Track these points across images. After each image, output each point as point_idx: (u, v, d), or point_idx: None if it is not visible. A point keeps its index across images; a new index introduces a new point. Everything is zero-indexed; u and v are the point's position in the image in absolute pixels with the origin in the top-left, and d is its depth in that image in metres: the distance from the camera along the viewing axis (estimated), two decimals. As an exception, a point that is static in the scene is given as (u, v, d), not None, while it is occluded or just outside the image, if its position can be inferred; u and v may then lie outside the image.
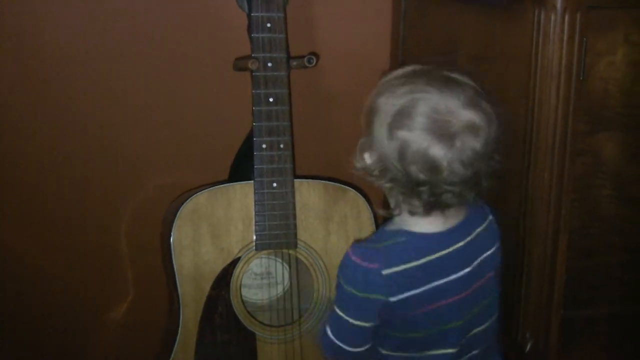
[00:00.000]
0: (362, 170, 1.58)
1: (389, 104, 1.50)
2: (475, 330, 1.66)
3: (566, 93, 1.71)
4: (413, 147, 1.46)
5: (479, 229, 1.63)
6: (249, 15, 1.93)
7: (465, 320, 1.63)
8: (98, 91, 2.25)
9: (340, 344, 1.62)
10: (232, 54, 2.04)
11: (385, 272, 1.53)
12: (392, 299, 1.55)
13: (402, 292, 1.55)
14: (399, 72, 1.57)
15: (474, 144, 1.46)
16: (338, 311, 1.60)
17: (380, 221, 2.15)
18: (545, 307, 1.84)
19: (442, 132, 1.45)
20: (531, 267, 1.82)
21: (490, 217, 1.68)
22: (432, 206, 1.53)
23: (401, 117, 1.48)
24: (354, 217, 2.02)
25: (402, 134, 1.47)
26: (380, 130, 1.50)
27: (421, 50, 2.22)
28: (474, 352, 1.69)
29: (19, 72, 2.21)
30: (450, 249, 1.58)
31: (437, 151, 1.45)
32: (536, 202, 1.77)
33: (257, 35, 1.92)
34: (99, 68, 2.24)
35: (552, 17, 1.67)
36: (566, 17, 1.66)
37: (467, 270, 1.60)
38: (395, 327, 1.62)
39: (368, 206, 2.02)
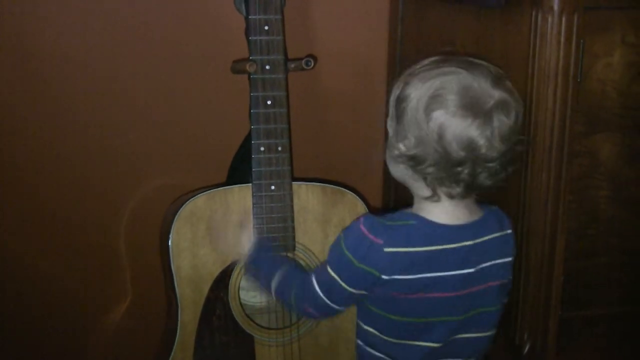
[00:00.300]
0: (401, 159, 1.58)
1: (421, 88, 1.52)
2: (464, 335, 1.66)
3: (563, 94, 1.71)
4: (452, 126, 1.48)
5: (491, 235, 1.63)
6: (246, 18, 1.93)
7: (456, 321, 1.63)
8: (97, 92, 2.26)
9: (324, 298, 1.64)
10: (230, 57, 2.04)
11: (387, 249, 1.55)
12: (384, 277, 1.56)
13: (397, 274, 1.56)
14: (423, 62, 1.59)
15: (508, 119, 1.50)
16: (331, 271, 1.62)
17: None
18: (543, 308, 1.84)
19: (478, 109, 1.48)
20: (529, 268, 1.82)
21: (509, 231, 1.68)
22: (469, 187, 1.55)
23: (437, 99, 1.50)
24: (353, 220, 2.02)
25: (439, 114, 1.49)
26: (417, 114, 1.52)
27: (419, 52, 2.22)
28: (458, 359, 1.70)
29: (19, 72, 2.21)
30: (457, 245, 1.59)
31: (475, 129, 1.48)
32: (534, 203, 1.77)
33: (254, 37, 1.92)
34: (98, 69, 2.24)
35: (549, 19, 1.68)
36: (563, 19, 1.67)
37: (468, 270, 1.60)
38: (379, 304, 1.63)
39: (366, 209, 2.02)
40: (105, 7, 2.21)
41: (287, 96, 1.96)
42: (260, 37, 1.92)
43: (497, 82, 1.52)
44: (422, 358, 1.65)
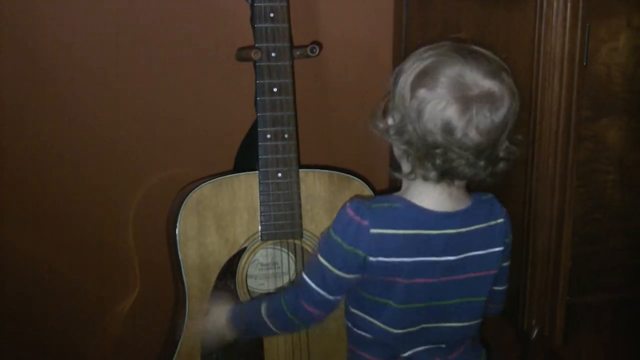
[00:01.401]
0: (382, 132, 1.60)
1: (414, 65, 1.54)
2: (446, 324, 1.67)
3: (569, 79, 1.71)
4: (430, 105, 1.49)
5: (477, 226, 1.63)
6: (252, 5, 1.93)
7: (428, 307, 1.63)
8: (102, 83, 2.26)
9: (318, 290, 1.64)
10: (235, 45, 2.04)
11: (373, 231, 1.56)
12: (372, 259, 1.57)
13: (382, 255, 1.57)
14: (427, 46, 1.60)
15: (492, 114, 1.49)
16: (321, 259, 1.63)
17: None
18: (551, 294, 1.84)
19: (461, 95, 1.48)
20: (536, 254, 1.82)
21: (500, 220, 1.68)
22: (445, 173, 1.55)
23: (424, 76, 1.51)
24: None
25: (423, 92, 1.51)
26: (404, 89, 1.54)
27: (424, 39, 2.21)
28: (442, 345, 1.70)
29: (22, 68, 2.21)
30: (439, 232, 1.59)
31: (452, 112, 1.48)
32: (540, 189, 1.78)
33: (260, 25, 1.92)
34: (102, 60, 2.24)
35: (555, 4, 1.68)
36: (568, 4, 1.67)
37: (450, 258, 1.61)
38: (364, 287, 1.64)
39: (373, 195, 2.02)
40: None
41: (293, 83, 1.96)
42: (266, 25, 1.92)
43: (491, 74, 1.51)
44: (400, 341, 1.67)
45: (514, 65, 1.80)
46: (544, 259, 1.82)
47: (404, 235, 1.58)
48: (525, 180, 1.81)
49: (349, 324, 1.73)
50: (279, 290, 1.85)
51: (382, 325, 1.65)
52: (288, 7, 1.94)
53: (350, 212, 1.59)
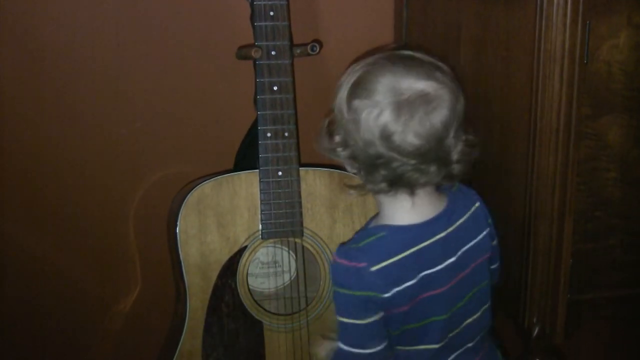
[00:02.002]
0: (327, 151, 1.61)
1: (347, 79, 1.55)
2: (466, 322, 1.66)
3: (570, 77, 1.71)
4: (365, 114, 1.49)
5: (462, 219, 1.63)
6: (252, 4, 1.92)
7: (451, 314, 1.62)
8: (102, 82, 2.26)
9: (358, 350, 1.59)
10: (235, 43, 2.04)
11: (373, 268, 1.53)
12: (386, 295, 1.54)
13: (394, 287, 1.55)
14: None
15: (428, 114, 1.47)
16: (342, 319, 1.58)
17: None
18: (552, 292, 1.84)
19: (393, 100, 1.47)
20: (537, 251, 1.82)
21: (478, 203, 1.68)
22: (394, 183, 1.53)
23: (356, 88, 1.52)
24: (360, 205, 2.02)
25: (357, 103, 1.50)
26: (341, 104, 1.54)
27: (425, 36, 2.22)
28: (469, 345, 1.69)
29: (23, 67, 2.21)
30: (432, 240, 1.58)
31: (387, 118, 1.47)
32: (541, 186, 1.77)
33: (260, 23, 1.92)
34: (102, 59, 2.24)
35: (555, 1, 1.67)
36: (569, 1, 1.66)
37: (451, 260, 1.60)
38: (392, 323, 1.60)
39: (373, 193, 2.02)
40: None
41: (293, 82, 1.96)
42: (266, 23, 1.92)
43: (424, 75, 1.50)
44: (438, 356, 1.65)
45: (515, 62, 1.81)
46: (544, 256, 1.81)
47: (401, 259, 1.55)
48: (526, 178, 1.80)
49: None
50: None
51: (424, 347, 1.63)
52: (288, 5, 1.94)
53: (342, 260, 1.56)
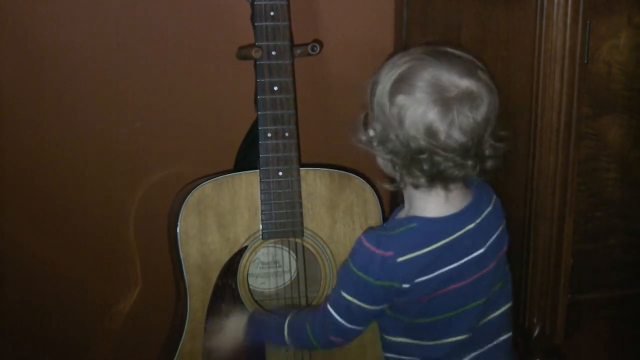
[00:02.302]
0: (365, 144, 1.61)
1: (389, 74, 1.54)
2: (490, 316, 1.67)
3: (570, 77, 1.71)
4: (411, 111, 1.49)
5: (487, 211, 1.64)
6: (252, 4, 1.92)
7: (480, 304, 1.63)
8: (102, 83, 2.26)
9: (347, 324, 1.64)
10: (235, 43, 2.04)
11: (400, 259, 1.55)
12: (405, 286, 1.56)
13: (416, 278, 1.56)
14: (400, 53, 1.60)
15: (472, 112, 1.49)
16: (347, 296, 1.61)
17: (387, 208, 2.16)
18: (552, 292, 1.84)
19: (440, 97, 1.48)
20: (537, 251, 1.82)
21: (495, 196, 1.69)
22: (434, 177, 1.55)
23: (400, 83, 1.51)
24: (360, 205, 2.02)
25: (401, 98, 1.51)
26: (382, 99, 1.54)
27: (425, 37, 2.22)
28: (489, 345, 1.70)
29: (23, 67, 2.21)
30: (462, 232, 1.59)
31: (434, 115, 1.48)
32: (541, 186, 1.77)
33: (260, 23, 1.92)
34: (102, 59, 2.24)
35: (555, 1, 1.67)
36: (569, 1, 1.66)
37: (480, 251, 1.61)
38: (405, 311, 1.63)
39: (374, 193, 2.02)
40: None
41: (294, 82, 1.96)
42: (266, 23, 1.92)
43: (467, 72, 1.51)
44: (451, 353, 1.66)
45: (515, 62, 1.81)
46: (544, 256, 1.82)
47: (429, 252, 1.56)
48: (526, 178, 1.81)
49: (393, 355, 1.72)
50: (299, 310, 1.85)
51: (432, 343, 1.64)
52: (288, 5, 1.94)
53: (369, 245, 1.57)
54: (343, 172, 2.01)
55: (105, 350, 2.46)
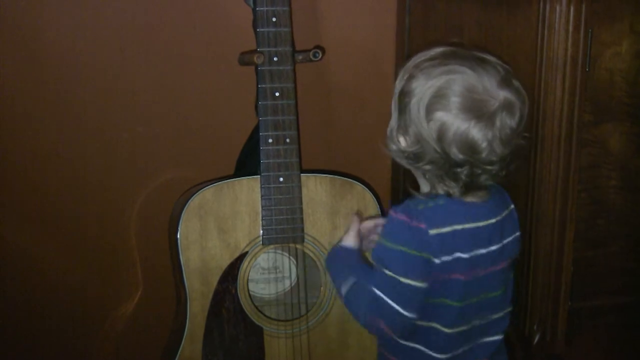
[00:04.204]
0: (397, 153, 1.58)
1: (425, 86, 1.51)
2: (490, 317, 1.64)
3: (572, 84, 1.71)
4: (453, 128, 1.47)
5: (505, 212, 1.62)
6: (254, 10, 1.93)
7: (482, 301, 1.60)
8: (105, 87, 2.26)
9: (392, 303, 1.54)
10: (237, 49, 2.04)
11: (432, 232, 1.51)
12: (437, 261, 1.52)
13: (448, 254, 1.53)
14: (429, 53, 1.57)
15: (511, 122, 1.49)
16: (389, 273, 1.53)
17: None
18: (553, 298, 1.84)
19: (481, 111, 1.47)
20: (538, 258, 1.82)
21: (512, 206, 1.67)
22: (469, 187, 1.54)
23: (439, 99, 1.49)
24: (361, 211, 2.02)
25: (441, 115, 1.48)
26: (418, 112, 1.51)
27: (427, 43, 2.21)
28: (486, 339, 1.67)
29: (25, 70, 2.21)
30: (487, 222, 1.57)
31: (477, 131, 1.47)
32: (543, 193, 1.78)
33: (262, 29, 1.92)
34: (105, 63, 2.24)
35: (557, 8, 1.67)
36: (571, 8, 1.67)
37: (494, 247, 1.58)
38: (433, 292, 1.57)
39: (375, 200, 2.02)
40: (110, 0, 2.22)
41: (295, 88, 1.96)
42: (268, 29, 1.92)
43: (503, 81, 1.50)
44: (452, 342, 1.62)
45: (517, 69, 1.80)
46: (546, 263, 1.82)
47: (458, 230, 1.53)
48: (528, 185, 1.81)
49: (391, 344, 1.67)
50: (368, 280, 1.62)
51: (438, 327, 1.60)
52: (290, 11, 1.94)
53: (402, 217, 1.54)
54: (344, 178, 2.01)
55: (105, 354, 2.46)
